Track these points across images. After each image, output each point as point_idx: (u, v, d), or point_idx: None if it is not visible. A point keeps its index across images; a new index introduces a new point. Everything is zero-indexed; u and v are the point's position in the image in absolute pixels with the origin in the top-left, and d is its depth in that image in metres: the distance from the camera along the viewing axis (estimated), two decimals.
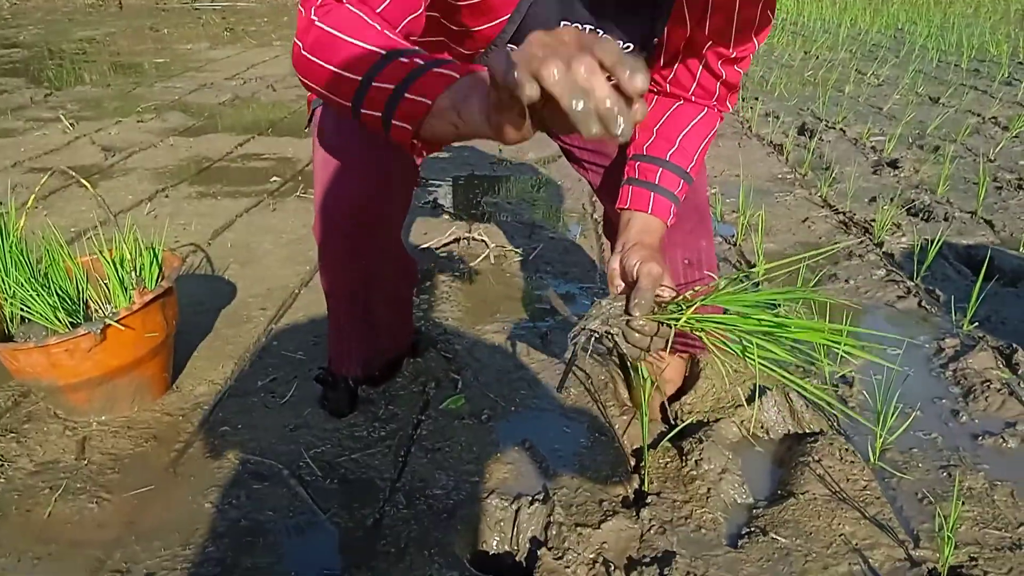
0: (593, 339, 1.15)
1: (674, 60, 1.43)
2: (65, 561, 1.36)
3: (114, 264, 1.81)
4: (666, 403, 1.74)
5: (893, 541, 1.33)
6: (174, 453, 1.64)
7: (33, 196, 3.16)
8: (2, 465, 1.60)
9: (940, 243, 2.42)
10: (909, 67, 6.16)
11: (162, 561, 1.35)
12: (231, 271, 2.57)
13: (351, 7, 1.05)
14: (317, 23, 1.04)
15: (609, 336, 1.14)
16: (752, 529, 1.38)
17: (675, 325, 1.13)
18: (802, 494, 1.44)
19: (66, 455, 1.64)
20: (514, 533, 1.41)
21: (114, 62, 7.23)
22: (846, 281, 2.35)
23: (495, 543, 1.42)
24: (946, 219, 2.84)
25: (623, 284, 1.27)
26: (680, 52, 1.41)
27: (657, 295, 1.17)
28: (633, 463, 1.58)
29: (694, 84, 1.45)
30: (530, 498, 1.44)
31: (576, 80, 0.64)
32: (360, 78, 0.96)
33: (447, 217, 3.11)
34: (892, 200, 3.06)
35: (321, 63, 1.01)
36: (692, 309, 1.11)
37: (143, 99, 5.38)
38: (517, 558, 1.39)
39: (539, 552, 1.31)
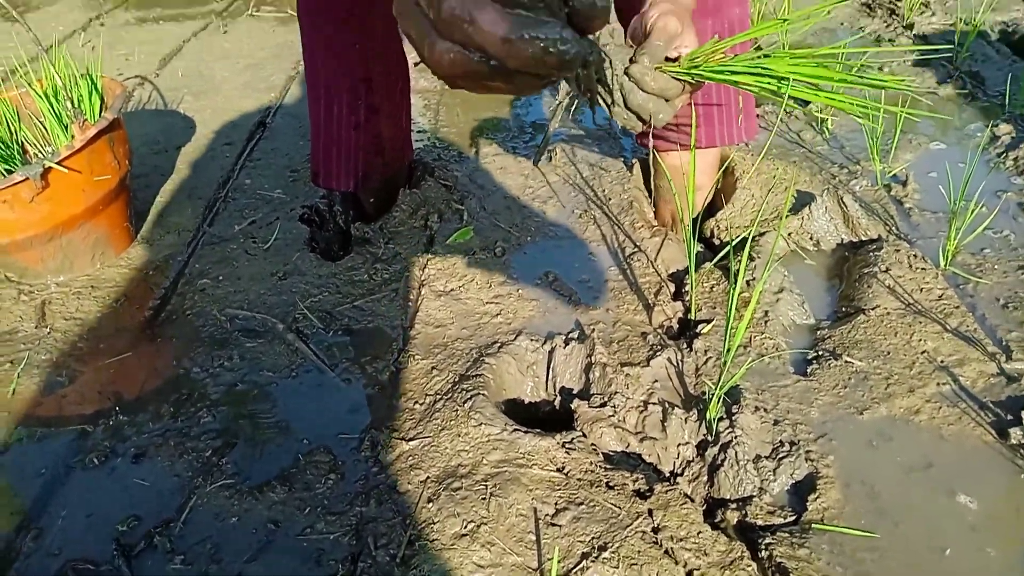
0: (583, 91, 0.86)
1: None
2: (43, 443, 1.19)
3: (47, 97, 1.53)
4: (699, 218, 1.54)
5: (982, 355, 1.17)
6: (149, 312, 1.43)
7: None
8: None
9: (978, 24, 2.16)
10: None
11: (153, 436, 1.17)
12: (186, 104, 2.26)
13: None
14: None
15: (606, 88, 0.90)
16: (821, 353, 1.22)
17: (684, 76, 0.90)
18: (872, 309, 1.27)
19: (24, 323, 1.43)
20: (549, 377, 1.24)
21: None
22: (879, 69, 2.11)
23: (528, 390, 1.25)
24: None
25: None
26: None
27: (675, 57, 0.94)
28: (673, 289, 1.40)
29: None
30: (564, 337, 1.26)
31: None
32: None
33: None
34: None
35: None
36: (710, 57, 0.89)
37: None
38: (555, 405, 1.23)
39: (576, 401, 1.14)
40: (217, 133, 2.09)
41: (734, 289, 1.11)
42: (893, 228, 1.48)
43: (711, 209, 1.58)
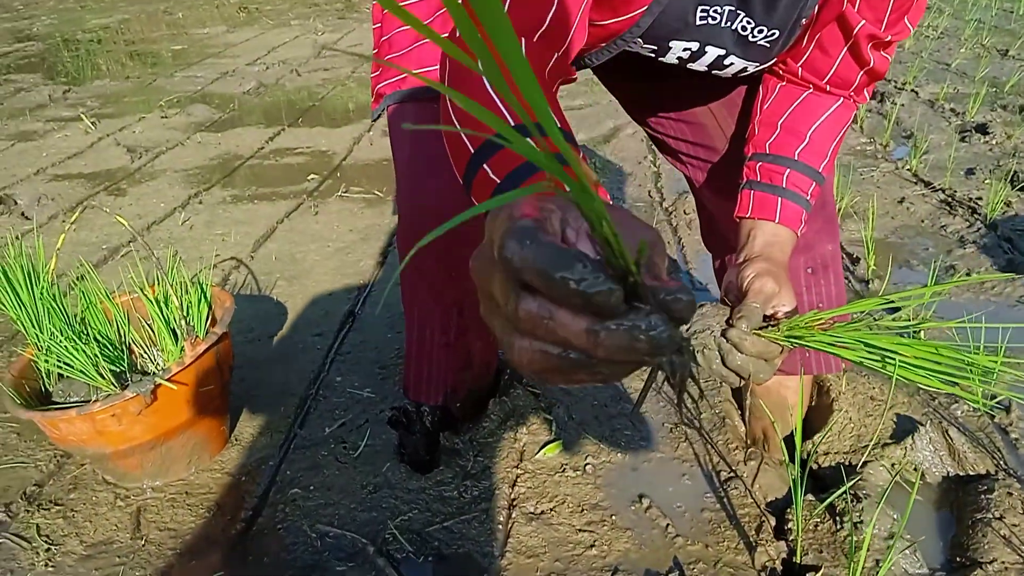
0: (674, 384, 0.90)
1: (812, 42, 1.19)
2: None
3: (158, 304, 1.61)
4: (793, 437, 1.51)
5: None
6: (241, 525, 1.44)
7: (72, 222, 2.98)
8: (49, 549, 1.41)
9: None
10: (967, 16, 5.79)
11: None
12: (278, 289, 2.35)
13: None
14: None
15: (702, 352, 0.94)
16: None
17: (784, 342, 0.92)
18: (989, 563, 1.20)
19: (120, 532, 1.44)
20: None
21: (131, 51, 7.01)
22: (967, 274, 2.10)
23: None
24: None
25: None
26: (821, 33, 1.16)
27: (772, 314, 0.97)
28: (774, 523, 1.35)
29: (831, 71, 1.20)
30: None
31: None
32: (473, 151, 0.72)
33: None
34: (992, 172, 2.78)
35: (449, 108, 0.77)
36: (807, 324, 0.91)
37: (164, 91, 5.16)
38: None
39: None
40: (308, 321, 2.16)
41: (851, 539, 1.06)
42: (1001, 463, 1.42)
43: (805, 430, 1.55)
